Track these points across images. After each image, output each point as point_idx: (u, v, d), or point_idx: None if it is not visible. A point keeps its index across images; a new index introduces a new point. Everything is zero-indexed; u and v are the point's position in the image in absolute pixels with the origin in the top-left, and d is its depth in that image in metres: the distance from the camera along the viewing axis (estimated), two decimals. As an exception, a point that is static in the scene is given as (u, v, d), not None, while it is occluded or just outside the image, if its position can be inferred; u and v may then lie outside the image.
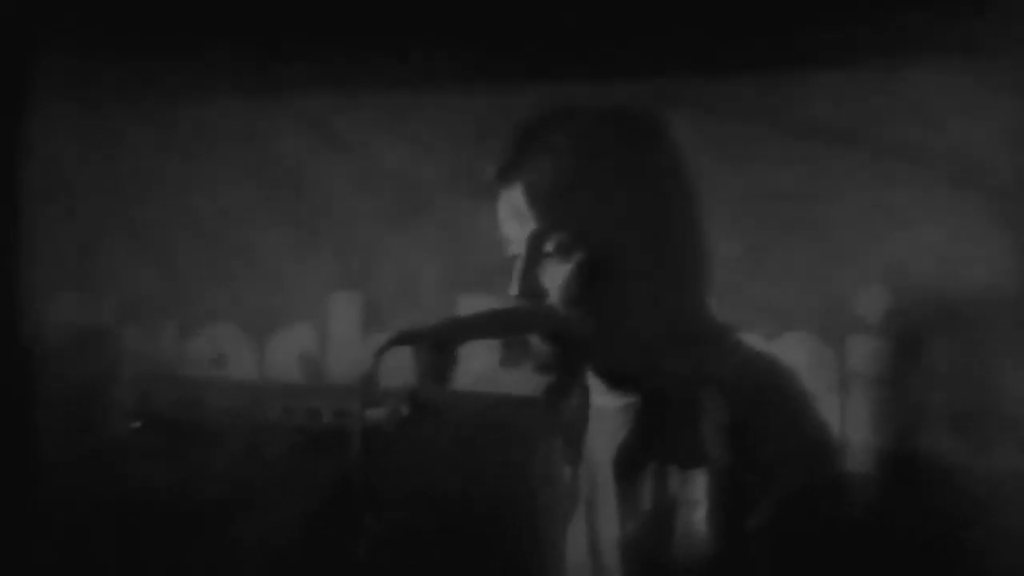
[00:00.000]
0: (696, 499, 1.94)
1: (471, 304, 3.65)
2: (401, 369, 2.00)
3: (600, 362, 2.05)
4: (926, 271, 3.39)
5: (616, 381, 2.07)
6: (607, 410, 2.09)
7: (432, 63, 3.90)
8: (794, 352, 3.38)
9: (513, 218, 2.04)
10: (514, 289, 2.02)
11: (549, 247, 2.00)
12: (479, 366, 2.45)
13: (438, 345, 2.03)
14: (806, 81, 3.59)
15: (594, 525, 2.11)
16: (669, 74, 3.64)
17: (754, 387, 1.97)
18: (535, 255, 2.01)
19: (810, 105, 3.60)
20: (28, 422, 3.22)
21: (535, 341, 2.03)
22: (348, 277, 4.22)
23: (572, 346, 2.01)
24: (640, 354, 2.03)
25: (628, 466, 2.04)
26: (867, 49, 3.43)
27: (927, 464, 3.33)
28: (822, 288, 3.55)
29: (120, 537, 3.60)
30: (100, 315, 4.42)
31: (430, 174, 4.04)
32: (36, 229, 4.21)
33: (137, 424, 3.63)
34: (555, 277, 1.99)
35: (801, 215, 3.50)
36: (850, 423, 3.40)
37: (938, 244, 3.37)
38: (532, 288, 2.01)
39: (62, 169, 4.29)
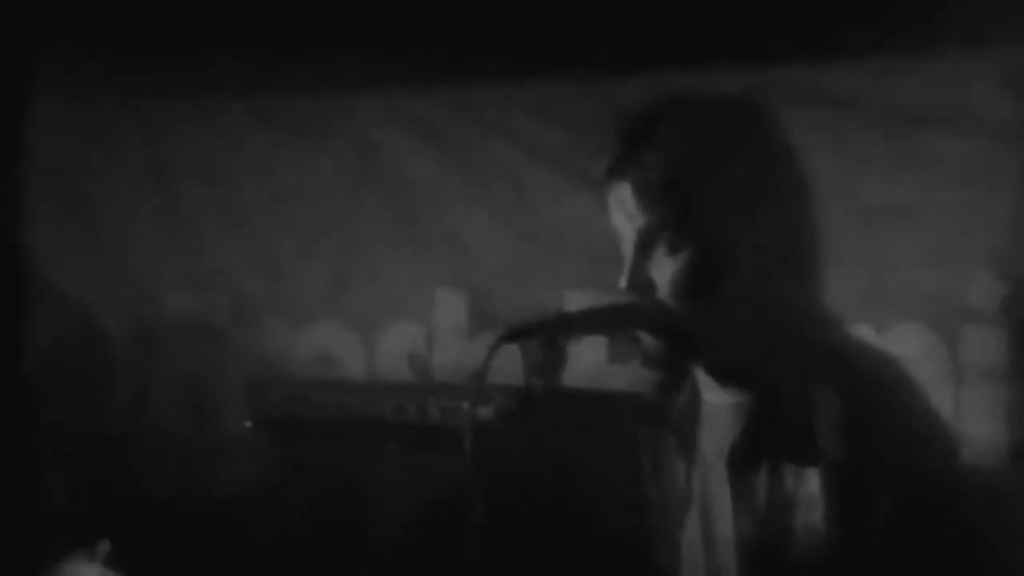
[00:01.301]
0: (813, 497, 1.92)
1: (578, 300, 3.66)
2: (510, 366, 1.98)
3: (711, 358, 2.03)
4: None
5: (727, 377, 2.04)
6: (719, 407, 2.07)
7: (535, 57, 3.92)
8: (906, 344, 3.35)
9: (622, 213, 2.02)
10: (623, 283, 1.99)
11: (659, 241, 1.97)
12: (588, 362, 2.46)
13: (547, 341, 2.03)
14: (899, 68, 3.57)
15: (708, 524, 2.10)
16: (760, 64, 3.65)
17: (867, 383, 1.95)
18: (645, 249, 1.99)
19: (906, 92, 3.57)
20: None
21: (644, 336, 2.01)
22: (454, 274, 4.25)
23: (681, 342, 1.99)
24: (752, 350, 2.00)
25: (742, 464, 2.03)
26: (955, 34, 3.39)
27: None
28: (932, 277, 3.49)
29: (227, 532, 3.67)
30: (212, 314, 4.50)
31: (536, 170, 4.06)
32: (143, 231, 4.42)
33: (249, 424, 3.68)
34: (664, 271, 1.96)
35: (904, 202, 3.45)
36: (965, 416, 3.36)
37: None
38: (641, 282, 1.99)
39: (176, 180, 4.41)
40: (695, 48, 3.80)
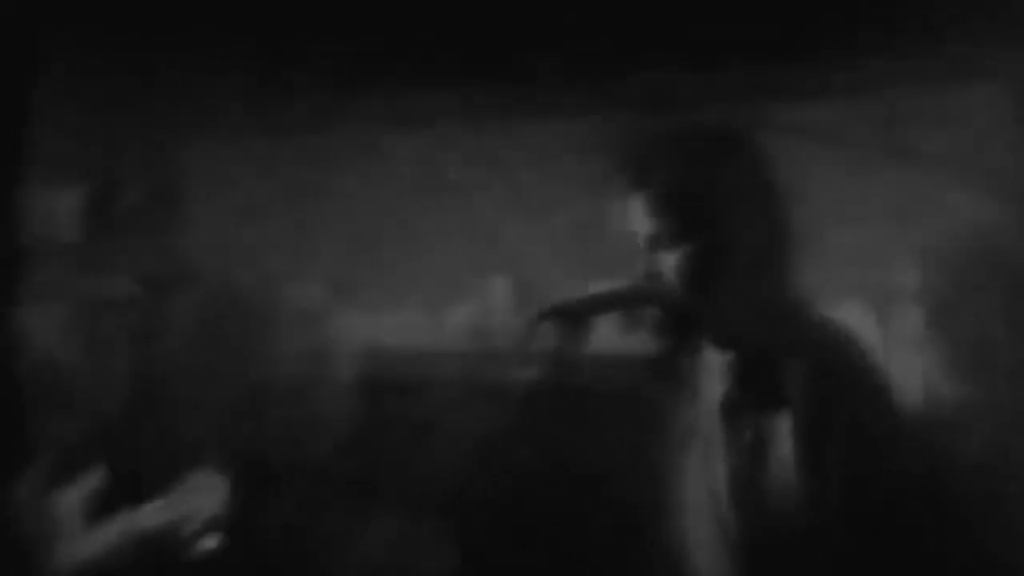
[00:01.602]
0: (782, 436, 2.19)
1: (598, 286, 3.59)
2: (546, 337, 2.48)
3: (708, 328, 2.33)
4: (954, 251, 3.61)
5: (721, 342, 2.36)
6: (715, 364, 2.39)
7: (568, 90, 4.33)
8: (848, 318, 3.39)
9: (637, 218, 2.35)
10: (639, 272, 2.35)
11: (664, 240, 2.30)
12: (605, 332, 2.80)
13: (577, 317, 2.50)
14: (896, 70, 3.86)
15: (708, 459, 2.38)
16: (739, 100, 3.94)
17: (827, 346, 2.23)
18: (654, 246, 2.32)
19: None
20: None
21: (654, 312, 2.34)
22: (505, 266, 4.68)
23: (685, 316, 2.31)
24: (739, 321, 2.30)
25: (731, 409, 2.33)
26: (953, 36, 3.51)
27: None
28: (870, 267, 3.77)
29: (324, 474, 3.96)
30: (316, 299, 4.91)
31: (569, 183, 4.45)
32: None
33: (348, 386, 4.07)
34: (669, 263, 2.30)
35: (843, 209, 3.70)
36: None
37: (961, 230, 3.62)
38: (652, 272, 2.33)
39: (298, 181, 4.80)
40: (695, 88, 3.99)
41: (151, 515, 2.80)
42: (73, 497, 3.03)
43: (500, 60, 4.13)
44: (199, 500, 2.73)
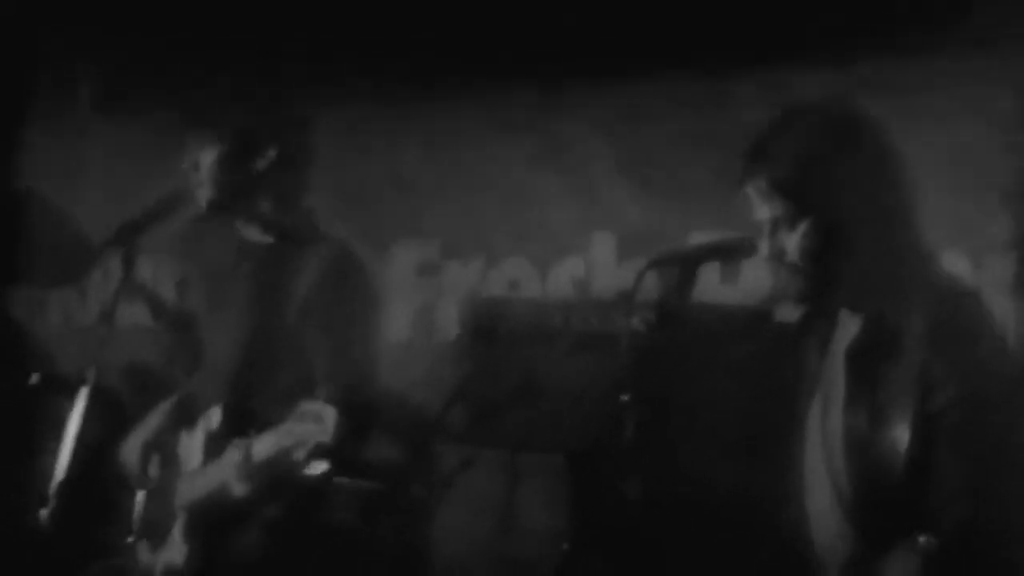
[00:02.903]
0: (901, 387, 2.22)
1: (699, 237, 4.08)
2: (651, 286, 2.48)
3: (839, 289, 2.38)
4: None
5: (850, 302, 2.41)
6: (847, 321, 2.44)
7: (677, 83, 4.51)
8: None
9: (755, 203, 2.39)
10: (764, 252, 2.38)
11: (783, 221, 2.34)
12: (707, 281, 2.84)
13: (681, 267, 2.51)
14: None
15: (827, 412, 2.41)
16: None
17: (950, 301, 2.28)
18: (775, 228, 2.36)
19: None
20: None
21: (791, 276, 2.36)
22: (607, 221, 4.86)
23: (822, 280, 2.35)
24: (866, 281, 2.33)
25: (856, 362, 2.37)
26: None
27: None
28: (966, 219, 3.96)
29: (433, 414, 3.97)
30: (431, 254, 5.18)
31: (666, 139, 4.64)
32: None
33: (459, 332, 4.22)
34: (791, 241, 2.35)
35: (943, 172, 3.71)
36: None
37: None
38: (776, 251, 2.36)
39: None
40: (808, 51, 4.12)
41: (263, 445, 2.80)
42: (194, 437, 3.11)
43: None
44: (308, 427, 2.69)
